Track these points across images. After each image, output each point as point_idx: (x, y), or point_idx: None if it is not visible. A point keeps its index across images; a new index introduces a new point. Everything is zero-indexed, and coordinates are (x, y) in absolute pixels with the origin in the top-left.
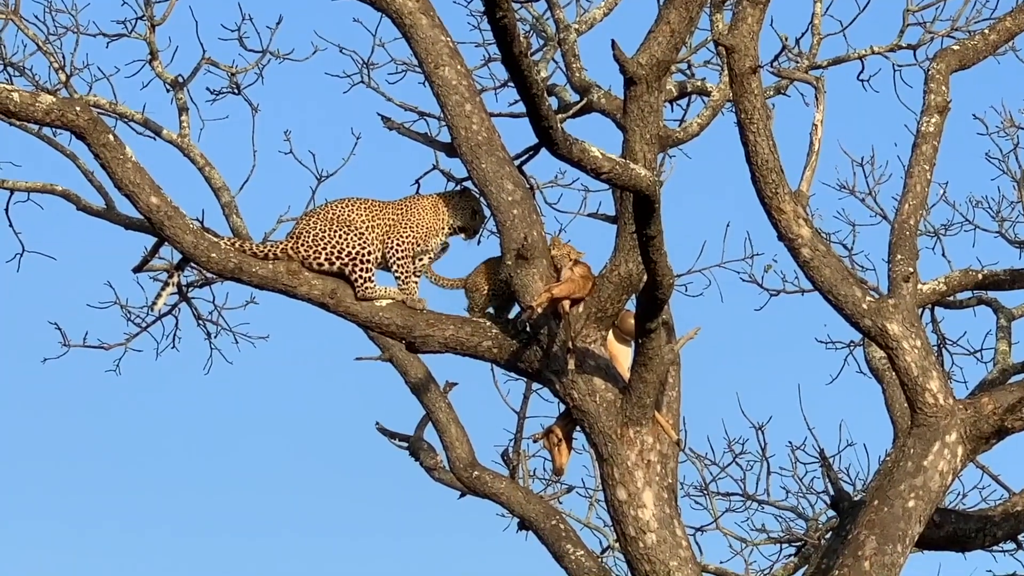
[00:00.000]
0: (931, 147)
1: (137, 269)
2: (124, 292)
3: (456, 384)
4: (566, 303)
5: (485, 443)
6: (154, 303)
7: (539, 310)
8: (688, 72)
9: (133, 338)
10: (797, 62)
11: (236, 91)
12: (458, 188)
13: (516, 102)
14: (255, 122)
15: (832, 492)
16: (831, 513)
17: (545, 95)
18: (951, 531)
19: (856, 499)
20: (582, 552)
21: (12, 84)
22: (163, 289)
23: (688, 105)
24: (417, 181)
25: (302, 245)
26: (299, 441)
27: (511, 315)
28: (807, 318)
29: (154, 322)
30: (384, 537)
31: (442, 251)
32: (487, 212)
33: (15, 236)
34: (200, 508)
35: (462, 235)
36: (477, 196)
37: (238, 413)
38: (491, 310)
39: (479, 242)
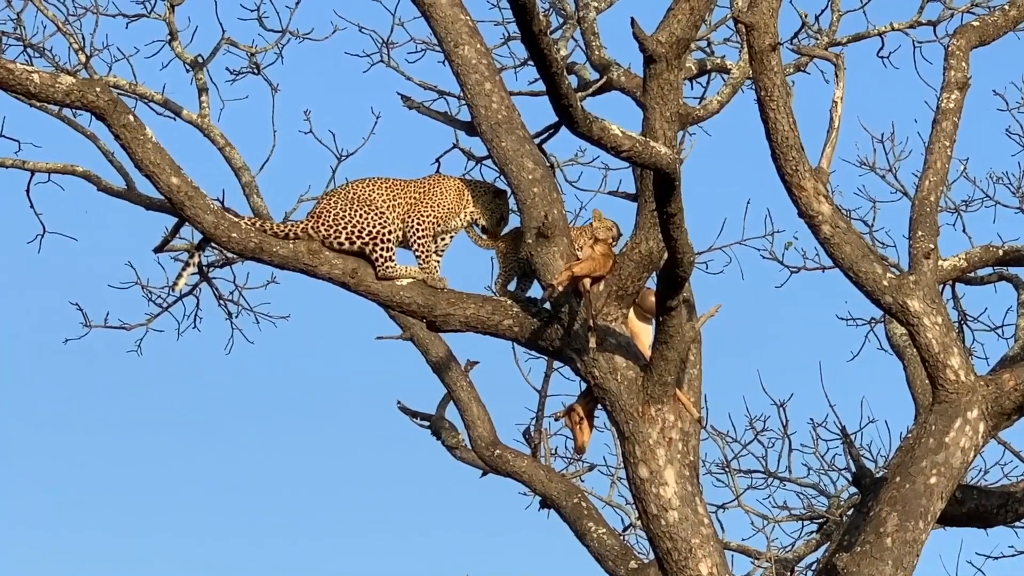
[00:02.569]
0: (951, 123)
1: (158, 249)
2: (145, 272)
3: (477, 363)
4: (587, 281)
5: (506, 422)
6: (175, 283)
7: (560, 288)
8: (708, 50)
9: (154, 318)
10: (817, 39)
11: (256, 71)
12: (495, 186)
13: (536, 80)
14: (275, 102)
15: (854, 469)
16: (853, 490)
17: (565, 73)
18: (973, 507)
19: (878, 476)
20: (604, 530)
21: (32, 65)
22: (184, 269)
23: (708, 83)
24: (437, 160)
25: (323, 224)
26: (320, 420)
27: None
28: (828, 295)
29: (175, 302)
30: (407, 516)
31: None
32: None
33: (36, 217)
34: (221, 486)
35: (482, 234)
36: (508, 200)
37: (259, 393)
38: (514, 283)
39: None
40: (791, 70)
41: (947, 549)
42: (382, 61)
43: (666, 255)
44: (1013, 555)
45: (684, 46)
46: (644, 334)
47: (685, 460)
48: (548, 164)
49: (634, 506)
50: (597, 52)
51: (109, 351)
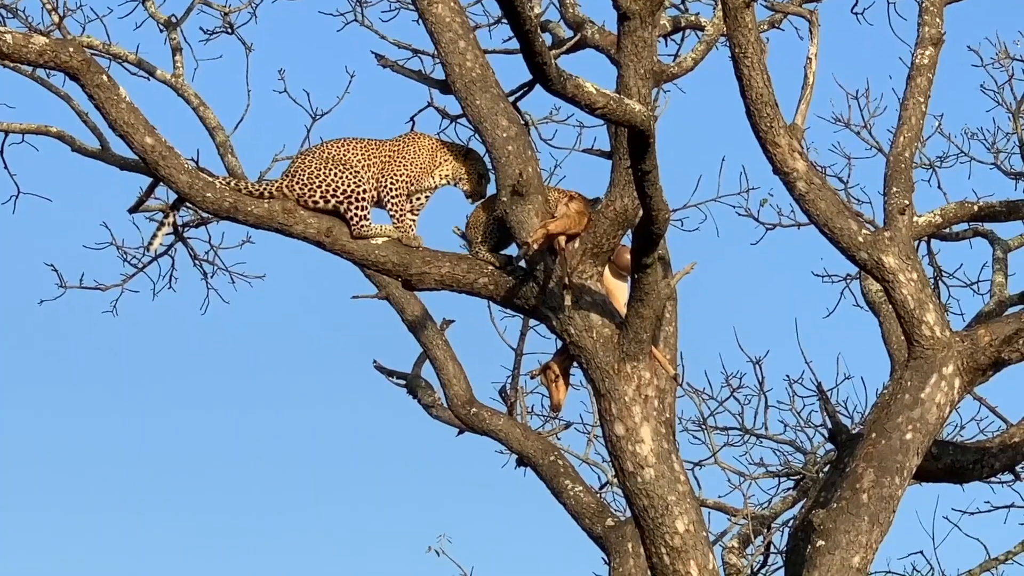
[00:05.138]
0: (926, 79)
1: (133, 210)
2: (120, 233)
3: (453, 321)
4: (562, 239)
5: (483, 380)
6: (150, 243)
7: (535, 246)
8: (682, 7)
9: (129, 279)
10: None
11: (229, 30)
12: (464, 147)
13: (510, 39)
14: (249, 61)
15: (830, 425)
16: (829, 446)
17: (539, 31)
18: (949, 463)
19: (854, 432)
20: (580, 488)
21: (5, 26)
22: (159, 229)
23: (682, 40)
24: (412, 118)
25: (297, 183)
26: (296, 379)
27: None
28: (803, 252)
29: (150, 262)
30: (383, 474)
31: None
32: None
33: (10, 178)
34: (196, 446)
35: (468, 199)
36: (481, 158)
37: (235, 353)
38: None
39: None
40: (765, 27)
41: (923, 505)
42: (356, 20)
43: (641, 212)
44: (989, 510)
45: (658, 3)
46: (619, 291)
47: (661, 417)
48: (522, 122)
49: (610, 463)
50: (571, 10)
51: (85, 312)
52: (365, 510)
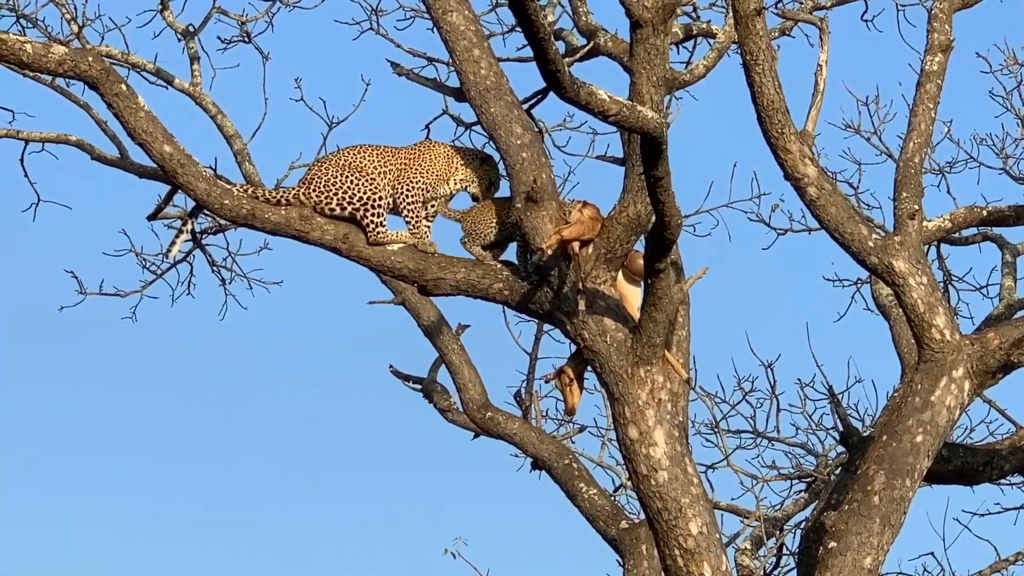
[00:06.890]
0: (935, 86)
1: (151, 217)
2: (139, 240)
3: (468, 326)
4: (576, 244)
5: (498, 384)
6: (168, 250)
7: (549, 252)
8: (693, 15)
9: (148, 285)
10: (801, 3)
11: (246, 39)
12: (482, 152)
13: (524, 47)
14: (266, 70)
15: (841, 428)
16: (840, 449)
17: (552, 39)
18: (959, 465)
19: (865, 435)
20: (595, 491)
21: (25, 35)
22: (177, 236)
23: (694, 47)
24: (427, 126)
25: (314, 191)
26: (313, 384)
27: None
28: (814, 256)
29: (169, 269)
30: (399, 478)
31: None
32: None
33: (31, 186)
34: (213, 451)
35: (473, 201)
36: (497, 165)
37: (253, 358)
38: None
39: None
40: (776, 34)
41: (934, 506)
42: (372, 28)
43: (654, 218)
44: (999, 512)
45: (670, 11)
46: (633, 296)
47: (674, 421)
48: (536, 129)
49: (624, 467)
50: (584, 18)
51: (104, 318)
52: (382, 513)
